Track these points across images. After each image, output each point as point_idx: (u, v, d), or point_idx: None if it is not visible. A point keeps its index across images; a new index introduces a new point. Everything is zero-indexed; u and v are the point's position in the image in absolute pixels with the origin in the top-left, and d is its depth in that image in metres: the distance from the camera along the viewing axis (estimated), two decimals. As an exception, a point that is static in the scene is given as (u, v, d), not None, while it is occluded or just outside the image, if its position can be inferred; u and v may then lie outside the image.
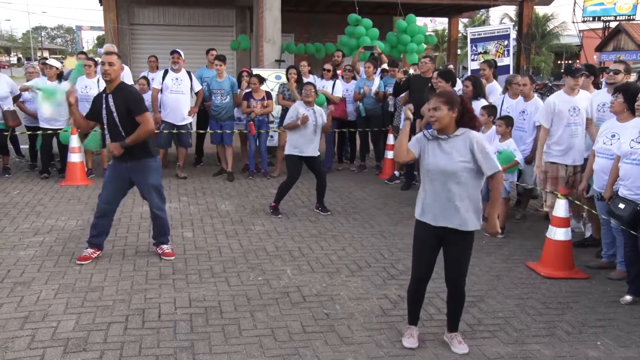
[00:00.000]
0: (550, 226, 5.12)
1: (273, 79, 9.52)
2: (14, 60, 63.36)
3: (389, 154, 8.85)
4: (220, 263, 5.12)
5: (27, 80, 8.93)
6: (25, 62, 54.84)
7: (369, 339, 3.76)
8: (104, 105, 4.88)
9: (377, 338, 3.78)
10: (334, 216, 6.73)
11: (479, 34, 10.01)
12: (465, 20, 25.50)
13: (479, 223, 3.47)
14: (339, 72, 9.45)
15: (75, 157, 8.11)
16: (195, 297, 4.37)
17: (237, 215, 6.68)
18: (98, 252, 5.13)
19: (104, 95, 4.92)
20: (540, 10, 38.84)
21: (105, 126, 4.98)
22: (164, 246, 5.28)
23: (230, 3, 13.69)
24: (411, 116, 3.66)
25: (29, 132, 8.36)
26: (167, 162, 9.17)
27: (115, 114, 4.84)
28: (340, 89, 8.99)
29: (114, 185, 5.06)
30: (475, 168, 3.39)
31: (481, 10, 21.52)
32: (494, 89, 7.63)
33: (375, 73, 9.04)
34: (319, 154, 6.81)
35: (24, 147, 9.75)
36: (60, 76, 8.33)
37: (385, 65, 9.39)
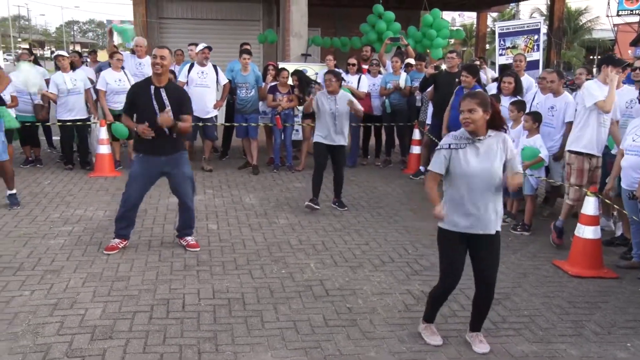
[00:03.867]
0: (578, 224, 5.03)
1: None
2: (47, 54, 64.56)
3: (415, 149, 8.80)
4: (244, 255, 5.15)
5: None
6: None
7: (391, 334, 3.75)
8: (153, 97, 4.90)
9: (400, 333, 3.76)
10: (358, 210, 6.72)
11: (508, 28, 9.86)
12: (494, 14, 25.17)
13: (500, 223, 3.46)
14: (365, 67, 9.40)
15: (103, 149, 8.23)
16: (219, 288, 4.40)
17: (262, 209, 6.71)
18: (125, 242, 5.21)
19: (152, 87, 4.93)
20: (573, 3, 38.13)
21: (143, 116, 4.94)
22: (189, 238, 5.33)
23: (257, -3, 13.73)
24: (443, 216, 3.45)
25: (59, 124, 8.50)
26: (193, 155, 9.24)
27: (167, 107, 4.89)
28: (366, 83, 8.95)
29: (144, 179, 5.09)
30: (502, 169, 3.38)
31: (511, 4, 21.20)
32: (530, 83, 7.49)
33: (401, 67, 8.97)
34: (344, 144, 6.72)
35: (55, 138, 9.93)
36: (73, 66, 8.43)
37: (411, 60, 9.31)
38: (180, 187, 5.18)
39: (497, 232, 3.43)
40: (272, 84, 8.65)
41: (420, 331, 3.72)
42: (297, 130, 9.22)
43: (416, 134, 8.76)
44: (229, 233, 5.79)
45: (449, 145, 3.40)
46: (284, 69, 8.74)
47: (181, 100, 5.01)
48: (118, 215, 5.20)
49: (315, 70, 9.79)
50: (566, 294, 4.52)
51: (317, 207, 6.60)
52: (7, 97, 7.51)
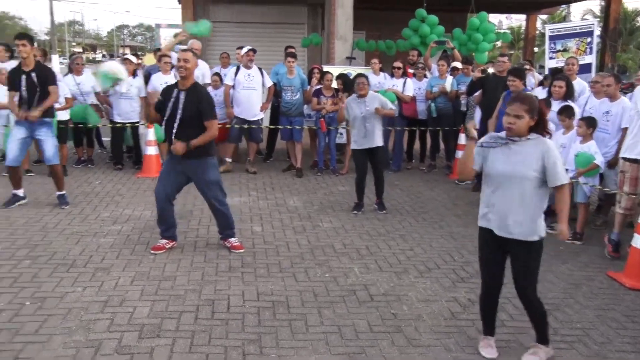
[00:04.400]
0: (635, 234, 4.83)
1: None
2: (99, 57, 66.55)
3: (460, 154, 8.66)
4: (288, 258, 5.16)
5: None
6: (109, 58, 57.46)
7: (437, 342, 3.68)
8: (172, 100, 4.95)
9: (446, 342, 3.70)
10: (402, 215, 6.65)
11: (559, 31, 9.60)
12: (544, 16, 24.61)
13: (541, 232, 3.29)
14: (410, 70, 9.32)
15: (150, 150, 8.41)
16: (263, 290, 4.42)
17: (305, 212, 6.72)
18: (172, 243, 5.28)
19: (176, 89, 5.00)
20: (629, 4, 36.85)
21: (166, 120, 5.00)
22: (232, 239, 5.37)
23: (302, 0, 13.78)
24: (475, 135, 3.54)
25: (110, 125, 8.73)
26: (237, 157, 9.35)
27: (180, 111, 4.90)
28: (411, 87, 8.87)
29: (169, 176, 5.13)
30: (542, 177, 3.22)
31: (562, 5, 20.68)
32: (583, 87, 7.27)
33: (447, 71, 8.86)
34: (379, 144, 6.69)
35: (106, 139, 10.20)
36: (135, 72, 8.65)
37: (457, 63, 9.18)
38: (205, 192, 5.20)
39: (529, 241, 3.28)
40: (317, 87, 8.67)
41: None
42: (341, 134, 9.21)
43: (462, 139, 8.62)
44: (273, 235, 5.81)
45: (482, 143, 3.38)
46: (328, 72, 8.75)
47: (201, 105, 4.92)
48: (157, 215, 5.28)
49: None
50: (623, 307, 4.34)
51: (359, 211, 6.64)
52: (61, 100, 7.78)
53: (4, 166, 6.84)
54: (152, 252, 5.14)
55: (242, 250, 5.26)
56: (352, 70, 9.65)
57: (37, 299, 4.08)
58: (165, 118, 4.99)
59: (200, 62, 9.15)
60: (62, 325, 3.70)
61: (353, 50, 11.46)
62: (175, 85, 5.06)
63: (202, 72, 9.03)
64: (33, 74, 6.19)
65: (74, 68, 8.81)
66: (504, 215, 3.27)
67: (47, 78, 6.29)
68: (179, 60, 4.93)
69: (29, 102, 6.24)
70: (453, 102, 8.77)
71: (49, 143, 6.44)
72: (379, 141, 6.67)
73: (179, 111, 4.90)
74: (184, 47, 9.18)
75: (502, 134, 3.35)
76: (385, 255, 5.32)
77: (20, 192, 6.56)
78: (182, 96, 4.92)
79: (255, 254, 5.26)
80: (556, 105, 6.41)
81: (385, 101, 6.73)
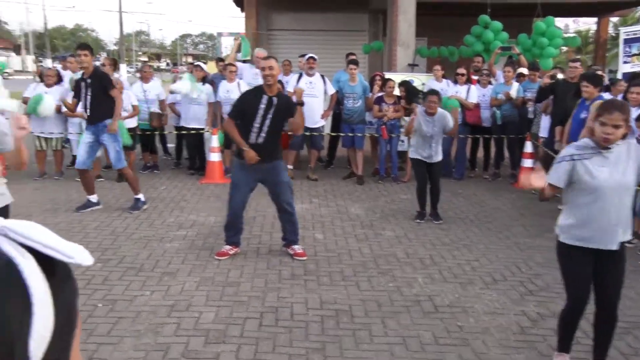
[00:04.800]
0: None
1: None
2: (163, 65, 68.84)
3: (526, 162, 8.40)
4: (351, 267, 5.13)
5: (173, 82, 9.61)
6: (172, 66, 59.34)
7: (506, 357, 3.56)
8: (262, 106, 5.01)
9: (516, 357, 3.57)
10: (466, 225, 6.51)
11: (635, 34, 9.18)
12: (615, 19, 23.65)
13: (627, 237, 3.17)
14: (474, 77, 9.14)
15: (214, 157, 8.57)
16: (327, 299, 4.40)
17: (367, 219, 6.67)
18: (236, 249, 5.35)
19: (265, 96, 5.03)
20: None
21: (256, 125, 5.04)
22: (295, 246, 5.39)
23: (363, 7, 13.78)
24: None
25: (176, 132, 8.98)
26: (298, 164, 9.40)
27: (270, 117, 5.01)
28: (475, 94, 8.70)
29: (244, 185, 5.20)
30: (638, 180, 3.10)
31: (637, 7, 19.76)
32: None
33: (513, 77, 8.63)
34: (437, 160, 6.64)
35: (170, 145, 10.49)
36: (204, 79, 8.86)
37: (523, 69, 8.93)
38: (279, 194, 5.24)
39: (622, 247, 3.15)
40: (379, 94, 8.63)
41: None
42: (402, 141, 9.10)
43: (528, 147, 8.36)
44: (335, 243, 5.80)
45: (572, 156, 3.15)
46: (390, 79, 8.69)
47: (290, 110, 5.13)
48: (226, 222, 5.35)
49: (422, 81, 9.65)
50: None
51: (422, 220, 6.56)
52: (128, 107, 8.06)
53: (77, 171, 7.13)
54: (216, 257, 5.22)
55: (305, 258, 5.27)
56: (414, 77, 9.57)
57: (108, 301, 4.21)
58: (248, 121, 5.05)
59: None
60: (132, 328, 3.80)
61: (415, 56, 11.36)
62: (260, 91, 5.09)
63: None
64: (89, 80, 6.49)
65: (142, 76, 9.12)
66: (611, 227, 3.10)
67: (105, 84, 6.56)
68: (263, 68, 5.01)
69: (89, 107, 6.55)
70: (519, 109, 8.53)
71: (112, 147, 6.67)
72: (439, 157, 6.66)
73: (270, 116, 4.99)
74: (263, 53, 9.36)
75: (583, 142, 3.20)
76: (449, 265, 5.21)
77: (93, 198, 6.80)
78: (275, 101, 5.02)
79: (317, 261, 5.25)
80: (634, 112, 6.11)
81: (449, 119, 6.63)
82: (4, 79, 9.17)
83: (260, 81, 8.36)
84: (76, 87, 6.68)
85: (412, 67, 10.94)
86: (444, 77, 9.16)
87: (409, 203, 7.37)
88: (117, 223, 6.27)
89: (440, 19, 14.40)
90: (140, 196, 6.85)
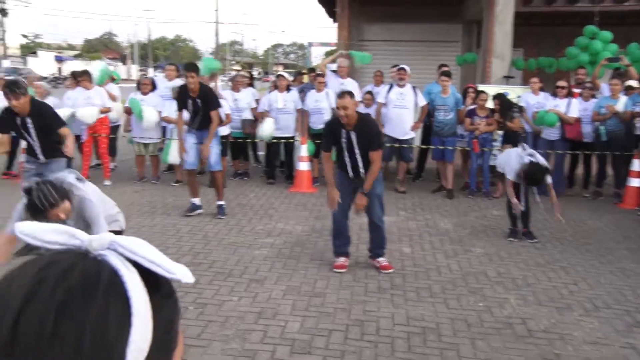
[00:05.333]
0: None
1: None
2: (255, 73, 70.99)
3: (634, 182, 7.86)
4: (439, 283, 4.99)
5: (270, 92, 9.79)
6: (263, 75, 61.03)
7: (609, 392, 3.31)
8: (343, 140, 5.08)
9: (620, 392, 3.31)
10: (563, 245, 6.16)
11: None
12: None
13: None
14: (576, 90, 8.68)
15: (303, 166, 8.65)
16: (413, 315, 4.30)
17: (456, 235, 6.48)
18: (347, 259, 5.32)
19: (343, 130, 5.05)
20: None
21: (347, 155, 5.12)
22: (381, 259, 5.30)
23: (457, 18, 13.50)
24: None
25: (266, 140, 9.14)
26: (387, 176, 9.30)
27: (357, 150, 5.05)
28: (576, 108, 8.25)
29: (342, 194, 5.20)
30: None
31: None
32: None
33: (621, 90, 8.12)
34: None
35: (260, 153, 10.71)
36: (288, 87, 9.00)
37: (633, 82, 8.38)
38: (370, 206, 5.20)
39: None
40: (471, 107, 8.39)
41: None
42: (495, 155, 8.80)
43: (636, 165, 7.82)
44: (423, 258, 5.66)
45: None
46: (483, 91, 8.44)
47: (371, 138, 5.06)
48: (332, 232, 5.37)
49: (517, 94, 9.29)
50: None
51: (515, 238, 6.28)
52: (222, 117, 8.32)
53: (184, 172, 7.41)
54: (334, 270, 5.15)
55: (391, 271, 5.18)
56: (510, 90, 9.24)
57: (199, 305, 4.32)
58: (338, 153, 5.19)
59: (350, 81, 9.31)
60: (221, 333, 3.87)
61: (510, 68, 10.97)
62: (339, 124, 5.09)
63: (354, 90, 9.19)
64: (198, 100, 6.74)
65: (234, 85, 9.38)
66: None
67: (210, 103, 6.81)
68: (338, 108, 5.00)
69: (193, 123, 6.87)
70: (626, 124, 8.00)
71: (213, 151, 6.88)
72: None
73: (357, 150, 5.04)
74: (346, 62, 9.40)
75: None
76: (544, 287, 4.94)
77: (196, 201, 7.05)
78: (354, 136, 5.03)
79: (404, 276, 5.15)
80: None
81: None
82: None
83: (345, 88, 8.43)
84: (182, 99, 6.87)
85: (507, 79, 10.56)
86: (541, 89, 8.77)
87: (501, 220, 7.08)
88: (208, 228, 6.45)
89: (538, 29, 13.84)
90: (222, 202, 7.03)
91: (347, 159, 5.12)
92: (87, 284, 0.54)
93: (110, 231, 3.41)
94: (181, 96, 6.90)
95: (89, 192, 3.51)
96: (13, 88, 5.38)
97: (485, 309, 4.45)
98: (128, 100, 8.93)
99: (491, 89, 9.04)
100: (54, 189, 3.15)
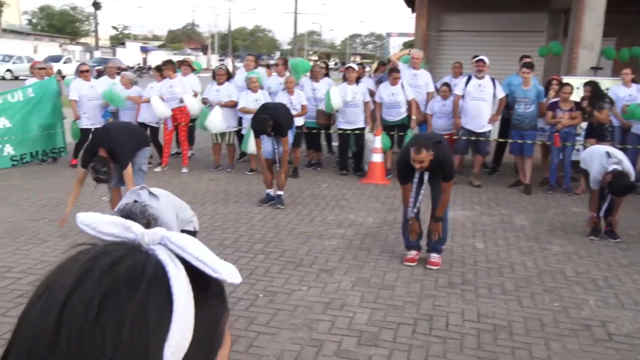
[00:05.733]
0: None
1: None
2: (331, 64, 71.22)
3: None
4: (512, 280, 4.84)
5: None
6: (340, 65, 61.06)
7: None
8: (415, 180, 5.02)
9: None
10: (650, 247, 5.83)
11: None
12: None
13: None
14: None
15: (376, 157, 8.61)
16: (484, 312, 4.20)
17: (533, 232, 6.26)
18: (419, 253, 5.26)
19: (417, 173, 5.02)
20: None
21: (413, 195, 5.09)
22: (434, 254, 5.18)
23: (543, 7, 12.93)
24: None
25: (339, 132, 9.16)
26: (462, 169, 9.12)
27: (425, 184, 5.06)
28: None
29: (417, 189, 5.14)
30: None
31: None
32: None
33: None
34: None
35: (334, 144, 10.75)
36: (358, 80, 8.95)
37: None
38: (434, 199, 5.14)
39: None
40: (554, 99, 8.05)
41: None
42: (577, 150, 8.41)
43: None
44: (496, 254, 5.51)
45: None
46: (567, 84, 8.06)
47: (445, 173, 4.96)
48: (402, 225, 5.34)
49: (606, 85, 8.80)
50: None
51: (597, 237, 5.99)
52: (297, 107, 8.43)
53: (264, 160, 7.50)
54: (405, 263, 5.13)
55: (436, 267, 5.04)
56: (598, 82, 8.78)
57: (268, 293, 4.41)
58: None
59: (423, 72, 9.15)
60: (289, 321, 3.94)
61: (599, 59, 10.40)
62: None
63: (426, 82, 9.03)
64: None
65: (312, 75, 9.43)
66: None
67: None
68: (414, 160, 4.82)
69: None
70: None
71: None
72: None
73: (424, 186, 5.05)
74: (420, 54, 9.26)
75: None
76: (628, 290, 4.69)
77: (271, 192, 7.16)
78: (426, 176, 4.99)
79: (476, 271, 5.04)
80: None
81: None
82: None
83: (416, 82, 8.30)
84: None
85: (595, 70, 10.03)
86: (633, 81, 8.29)
87: (582, 217, 6.77)
88: (280, 217, 6.56)
89: (634, 17, 13.03)
90: (281, 193, 7.04)
91: (413, 193, 5.05)
92: (132, 276, 0.55)
93: (184, 231, 3.53)
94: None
95: (162, 204, 3.58)
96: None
97: (561, 309, 4.28)
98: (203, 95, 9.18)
99: (577, 81, 8.62)
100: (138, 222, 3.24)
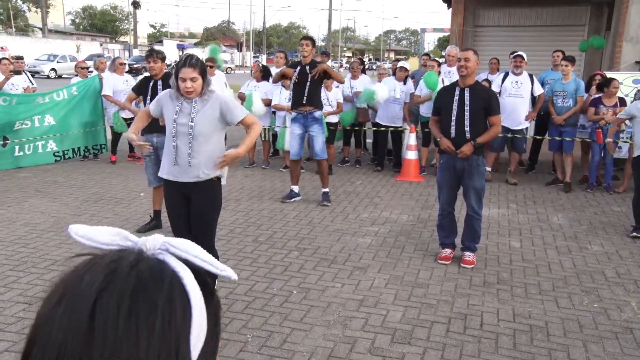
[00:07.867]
0: None
1: (630, 82, 8.45)
2: (365, 60, 70.98)
3: None
4: (550, 280, 4.76)
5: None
6: (375, 62, 60.82)
7: None
8: (457, 98, 4.94)
9: None
10: (695, 248, 5.65)
11: None
12: None
13: None
14: None
15: (411, 155, 8.56)
16: (520, 312, 4.14)
17: (571, 231, 6.14)
18: (453, 252, 5.23)
19: (457, 88, 4.98)
20: None
21: (453, 119, 4.96)
22: (468, 253, 5.11)
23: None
24: None
25: (373, 128, 9.14)
26: (497, 167, 9.00)
27: (468, 109, 4.89)
28: None
29: (446, 184, 5.10)
30: None
31: None
32: None
33: None
34: None
35: (369, 141, 10.72)
36: (406, 79, 8.90)
37: None
38: (467, 196, 5.05)
39: None
40: (596, 95, 7.86)
41: None
42: (620, 148, 8.20)
43: None
44: (532, 253, 5.43)
45: None
46: (615, 78, 7.86)
47: (489, 101, 4.91)
48: (437, 222, 5.30)
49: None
50: None
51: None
52: (333, 104, 8.42)
53: (290, 161, 7.51)
54: (439, 261, 5.10)
55: (470, 266, 4.98)
56: (640, 77, 8.55)
57: (302, 289, 4.44)
58: (443, 116, 5.06)
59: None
60: (323, 318, 3.96)
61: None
62: (454, 84, 5.06)
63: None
64: (307, 67, 6.70)
65: (352, 72, 9.42)
66: None
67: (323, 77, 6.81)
68: (459, 59, 4.92)
69: (306, 97, 6.77)
70: None
71: (319, 139, 6.94)
72: None
73: (467, 108, 4.90)
74: (456, 50, 9.16)
75: None
76: (671, 293, 4.56)
77: (295, 189, 7.21)
78: (467, 93, 4.91)
79: (512, 271, 4.97)
80: None
81: None
82: (227, 73, 10.14)
83: (450, 79, 8.20)
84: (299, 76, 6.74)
85: (640, 65, 9.76)
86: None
87: (623, 216, 6.62)
88: (314, 214, 6.59)
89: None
90: (327, 190, 7.07)
91: (453, 119, 4.92)
92: (155, 275, 0.59)
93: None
94: (300, 72, 6.74)
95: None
96: (152, 52, 5.77)
97: (600, 311, 4.19)
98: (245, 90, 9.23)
99: (620, 76, 8.40)
100: None
